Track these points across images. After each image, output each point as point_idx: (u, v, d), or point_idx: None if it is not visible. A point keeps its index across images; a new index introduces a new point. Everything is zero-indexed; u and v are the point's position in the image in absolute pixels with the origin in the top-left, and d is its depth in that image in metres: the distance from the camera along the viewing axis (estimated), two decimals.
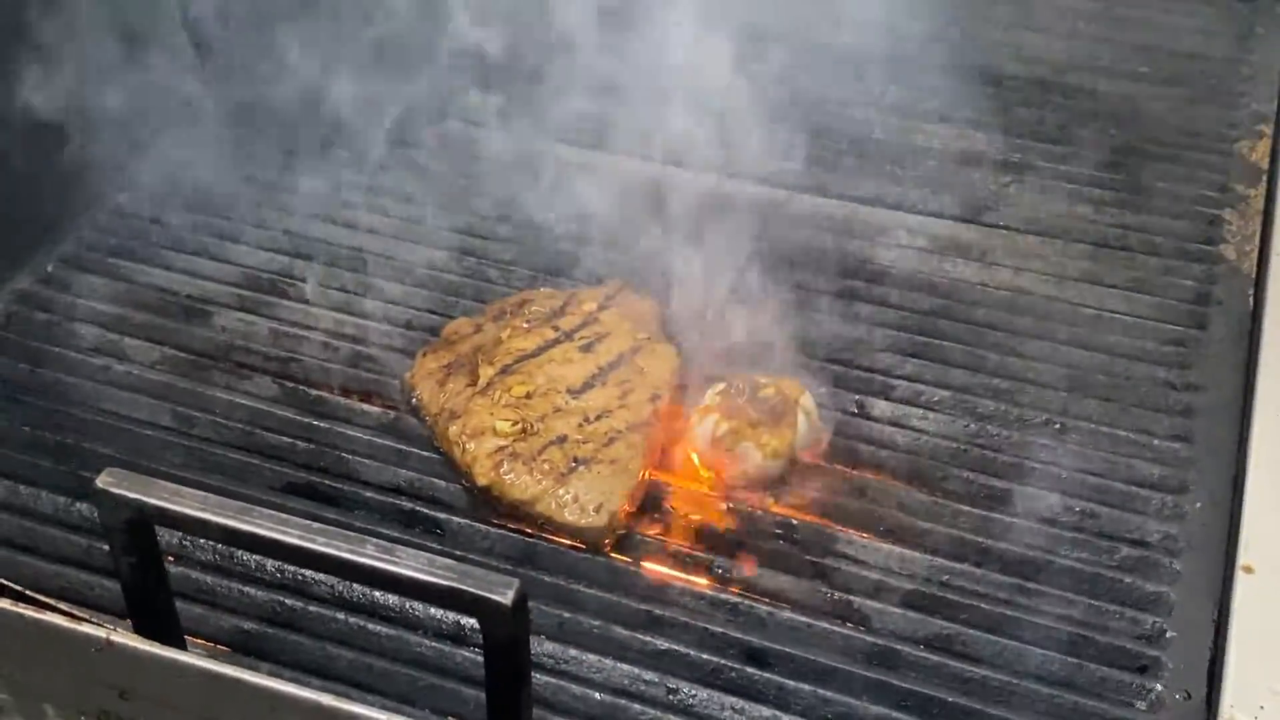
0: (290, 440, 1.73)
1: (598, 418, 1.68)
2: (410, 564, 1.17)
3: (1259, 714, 1.36)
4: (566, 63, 2.02)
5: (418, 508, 1.64)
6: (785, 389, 1.70)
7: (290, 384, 1.81)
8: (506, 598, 1.14)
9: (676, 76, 1.96)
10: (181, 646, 1.30)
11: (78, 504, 1.62)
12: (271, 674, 1.32)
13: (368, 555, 1.17)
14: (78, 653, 1.26)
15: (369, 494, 1.66)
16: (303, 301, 1.94)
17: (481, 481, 1.62)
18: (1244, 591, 1.48)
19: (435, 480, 1.68)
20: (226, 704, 1.25)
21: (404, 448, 1.72)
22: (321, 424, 1.75)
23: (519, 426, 1.66)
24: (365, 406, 1.79)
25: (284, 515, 1.20)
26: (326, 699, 1.21)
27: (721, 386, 1.71)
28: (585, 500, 1.59)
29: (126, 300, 1.95)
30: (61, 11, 1.85)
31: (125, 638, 1.25)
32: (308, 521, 1.19)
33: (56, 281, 1.98)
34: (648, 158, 2.09)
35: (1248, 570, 1.50)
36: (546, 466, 1.62)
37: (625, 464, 1.63)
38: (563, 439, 1.65)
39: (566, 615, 1.52)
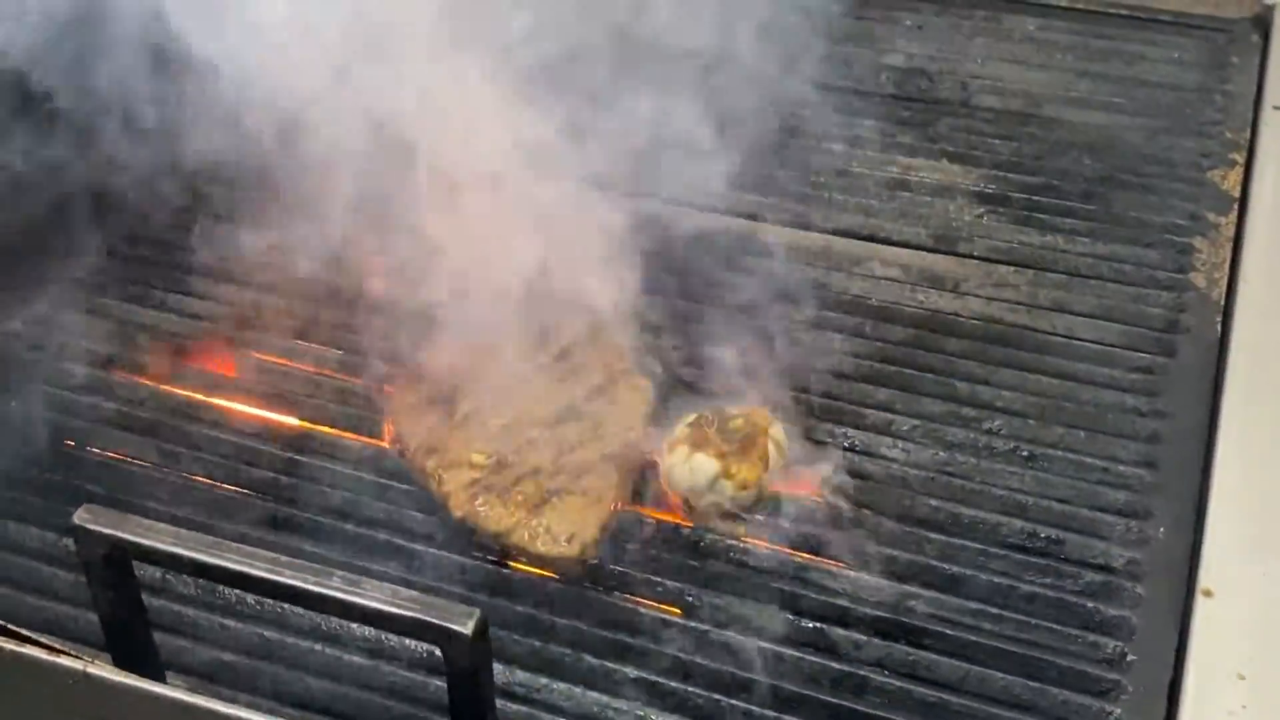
0: (273, 475, 1.77)
1: (572, 450, 1.71)
2: (375, 595, 1.20)
3: None
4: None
5: (395, 539, 1.67)
6: (755, 419, 1.73)
7: (274, 419, 1.85)
8: (467, 627, 1.18)
9: (655, 108, 1.99)
10: (160, 678, 1.33)
11: (64, 540, 1.65)
12: (248, 705, 1.35)
13: (333, 587, 1.21)
14: (56, 685, 1.29)
15: (348, 526, 1.69)
16: (289, 338, 1.98)
17: (457, 513, 1.66)
18: (1203, 615, 1.51)
19: (413, 513, 1.71)
20: None
21: (384, 481, 1.75)
22: (304, 459, 1.79)
23: (494, 459, 1.69)
24: (347, 441, 1.82)
25: (254, 549, 1.24)
26: None
27: (692, 418, 1.74)
28: (558, 531, 1.62)
29: (116, 339, 1.99)
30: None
31: (102, 670, 1.28)
32: (276, 555, 1.23)
33: (48, 322, 2.02)
34: (628, 193, 2.11)
35: (1207, 594, 1.53)
36: (520, 498, 1.65)
37: (598, 495, 1.66)
38: (537, 471, 1.68)
39: (538, 644, 1.55)
